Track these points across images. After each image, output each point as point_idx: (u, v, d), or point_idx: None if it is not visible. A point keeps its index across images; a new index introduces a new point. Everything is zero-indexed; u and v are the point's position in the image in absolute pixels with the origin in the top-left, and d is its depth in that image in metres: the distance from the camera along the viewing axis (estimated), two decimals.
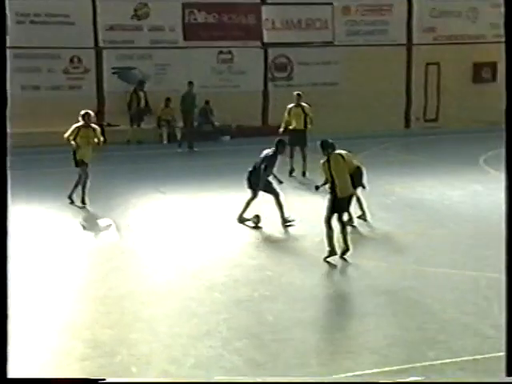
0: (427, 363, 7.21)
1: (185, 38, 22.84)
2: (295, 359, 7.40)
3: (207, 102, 22.45)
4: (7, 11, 18.38)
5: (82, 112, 14.31)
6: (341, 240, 10.52)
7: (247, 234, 12.24)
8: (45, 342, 7.90)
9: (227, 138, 22.83)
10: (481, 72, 25.15)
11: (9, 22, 20.98)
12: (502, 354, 7.36)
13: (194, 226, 12.74)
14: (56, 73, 21.62)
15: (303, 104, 17.29)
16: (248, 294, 9.31)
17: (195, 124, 21.72)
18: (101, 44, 22.15)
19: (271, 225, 12.57)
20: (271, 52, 23.67)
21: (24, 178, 17.01)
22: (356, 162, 11.61)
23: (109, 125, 22.26)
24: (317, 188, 11.25)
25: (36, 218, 13.20)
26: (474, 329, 8.08)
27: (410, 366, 7.14)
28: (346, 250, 10.52)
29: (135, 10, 22.38)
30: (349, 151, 11.40)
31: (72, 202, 14.07)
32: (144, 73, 22.51)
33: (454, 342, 7.72)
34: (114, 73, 22.37)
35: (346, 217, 10.96)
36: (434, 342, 7.71)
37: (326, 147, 10.80)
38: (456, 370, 7.08)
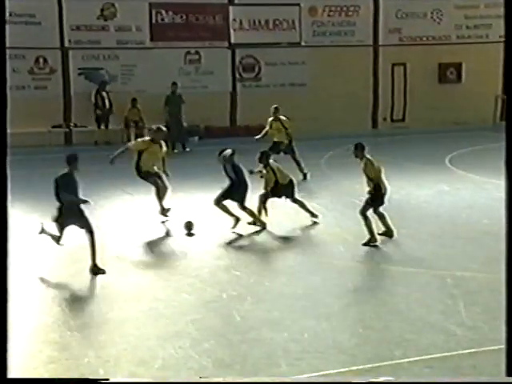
0: (394, 362, 7.26)
1: (152, 39, 22.77)
2: (264, 359, 7.41)
3: None
4: None
5: (154, 127, 13.21)
6: (382, 226, 11.61)
7: (214, 235, 12.22)
8: (10, 345, 7.80)
9: (196, 138, 22.81)
10: (446, 72, 25.43)
11: None
12: (469, 351, 7.48)
13: (161, 228, 12.69)
14: (21, 73, 21.43)
15: (281, 117, 17.28)
16: (216, 295, 9.29)
17: (185, 124, 21.65)
18: (67, 44, 21.99)
19: (238, 226, 12.57)
20: (239, 52, 23.70)
21: None
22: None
23: (75, 126, 22.14)
24: (251, 172, 12.65)
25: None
26: (441, 327, 8.16)
27: (378, 364, 7.19)
28: (391, 232, 11.64)
29: (102, 10, 22.26)
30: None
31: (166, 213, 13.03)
32: (111, 73, 22.40)
33: (420, 340, 7.78)
34: (80, 73, 22.23)
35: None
36: (400, 340, 7.77)
37: (362, 149, 11.50)
38: (423, 367, 7.14)
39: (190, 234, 12.14)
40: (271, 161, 12.79)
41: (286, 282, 10.16)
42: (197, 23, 23.18)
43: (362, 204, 11.51)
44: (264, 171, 12.63)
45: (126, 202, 14.70)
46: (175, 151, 20.78)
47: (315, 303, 9.03)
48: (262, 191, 12.67)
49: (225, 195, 12.50)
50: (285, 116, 17.50)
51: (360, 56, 24.49)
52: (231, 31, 23.44)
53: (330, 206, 14.12)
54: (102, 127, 22.06)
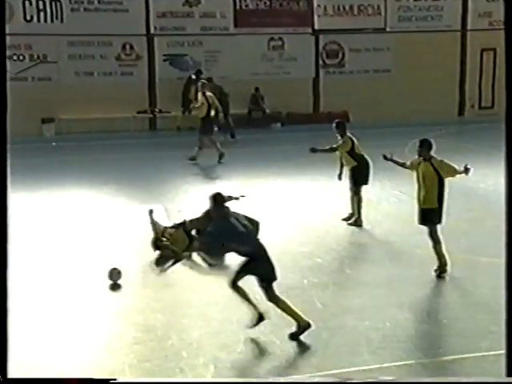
0: (480, 354, 7.11)
1: (235, 25, 22.84)
2: (345, 347, 7.37)
3: (257, 89, 22.47)
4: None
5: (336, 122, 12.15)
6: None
7: (297, 221, 12.21)
8: (97, 326, 8.01)
9: (278, 125, 22.81)
10: None
11: (63, 9, 21.29)
12: None
13: (243, 213, 12.73)
14: (108, 60, 21.87)
15: (207, 93, 17.14)
16: (297, 281, 9.28)
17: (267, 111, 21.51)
18: (152, 31, 22.30)
19: (320, 213, 12.53)
20: (322, 38, 23.52)
21: (76, 163, 17.28)
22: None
23: (160, 111, 22.46)
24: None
25: (87, 203, 13.37)
26: None
27: (462, 356, 7.06)
28: (443, 268, 9.57)
29: None
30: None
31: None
32: (195, 60, 22.61)
33: None
34: (165, 60, 22.52)
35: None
36: (486, 332, 7.59)
37: (429, 148, 9.51)
38: None
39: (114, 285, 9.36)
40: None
41: (368, 270, 10.08)
42: (280, 9, 23.12)
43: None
44: (340, 143, 11.80)
45: (209, 186, 14.81)
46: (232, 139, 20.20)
47: (397, 292, 8.92)
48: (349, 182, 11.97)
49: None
50: (213, 92, 17.46)
51: (447, 41, 23.95)
52: (315, 17, 23.28)
53: (414, 194, 13.86)
54: (186, 113, 22.29)
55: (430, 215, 9.51)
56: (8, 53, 21.09)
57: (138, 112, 22.24)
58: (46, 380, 5.82)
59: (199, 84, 17.76)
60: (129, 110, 21.74)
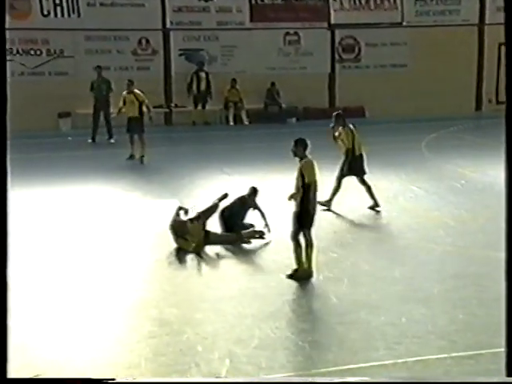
0: (497, 350, 7.03)
1: (251, 20, 22.80)
2: (361, 342, 7.34)
3: (273, 84, 22.45)
4: None
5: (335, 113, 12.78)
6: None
7: None
8: (113, 320, 8.04)
9: (294, 120, 22.76)
10: None
11: (80, 4, 21.34)
12: None
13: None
14: (125, 54, 21.91)
15: (136, 91, 16.93)
16: (313, 276, 9.26)
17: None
18: (168, 25, 22.31)
19: (336, 207, 12.49)
20: (338, 33, 23.43)
21: (92, 158, 17.34)
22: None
23: (176, 106, 22.47)
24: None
25: (104, 198, 13.41)
26: None
27: (479, 352, 7.01)
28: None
29: None
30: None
31: None
32: (211, 54, 22.60)
33: None
34: (181, 54, 22.52)
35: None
36: (503, 328, 7.52)
37: (303, 147, 9.36)
38: None
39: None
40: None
41: (384, 265, 10.03)
42: (296, 4, 23.06)
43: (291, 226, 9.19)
44: (340, 133, 12.39)
45: (224, 181, 14.82)
46: (112, 141, 19.37)
47: (413, 287, 8.88)
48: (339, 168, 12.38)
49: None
50: (139, 90, 17.17)
51: (464, 36, 23.79)
52: (331, 11, 23.19)
53: (431, 189, 13.83)
54: (199, 107, 22.29)
55: (297, 218, 9.05)
56: (25, 47, 21.29)
57: (154, 107, 22.04)
58: (46, 380, 5.83)
59: (125, 82, 17.13)
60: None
